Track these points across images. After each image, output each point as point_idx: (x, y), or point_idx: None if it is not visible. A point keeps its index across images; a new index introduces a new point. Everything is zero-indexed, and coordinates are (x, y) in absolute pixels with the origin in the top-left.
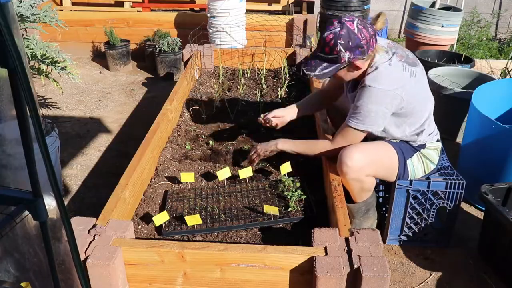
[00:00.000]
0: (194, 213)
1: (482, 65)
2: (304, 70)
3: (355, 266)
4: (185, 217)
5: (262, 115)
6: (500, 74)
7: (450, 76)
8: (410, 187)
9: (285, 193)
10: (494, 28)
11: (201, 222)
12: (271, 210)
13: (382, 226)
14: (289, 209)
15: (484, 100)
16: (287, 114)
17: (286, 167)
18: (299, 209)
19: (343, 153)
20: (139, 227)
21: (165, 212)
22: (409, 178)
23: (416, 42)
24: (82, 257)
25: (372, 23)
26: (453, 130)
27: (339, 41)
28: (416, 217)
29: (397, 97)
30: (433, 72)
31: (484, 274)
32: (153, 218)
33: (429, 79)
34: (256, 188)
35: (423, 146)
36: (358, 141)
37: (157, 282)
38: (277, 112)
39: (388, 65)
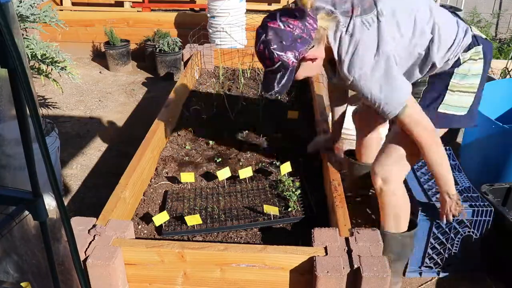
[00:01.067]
0: (194, 213)
1: None
2: (264, 93)
3: (355, 266)
4: (185, 217)
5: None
6: (500, 74)
7: None
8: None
9: (285, 193)
10: (494, 28)
11: (201, 222)
12: (271, 210)
13: None
14: (289, 209)
15: (484, 100)
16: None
17: (286, 167)
18: (299, 209)
19: (374, 166)
20: (139, 227)
21: (165, 212)
22: (456, 113)
23: None
24: (82, 257)
25: (296, 2)
26: (453, 130)
27: (271, 48)
28: (438, 247)
29: (388, 59)
30: None
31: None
32: (153, 218)
33: None
34: (256, 188)
35: (456, 64)
36: (418, 109)
37: (157, 282)
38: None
39: (349, 37)
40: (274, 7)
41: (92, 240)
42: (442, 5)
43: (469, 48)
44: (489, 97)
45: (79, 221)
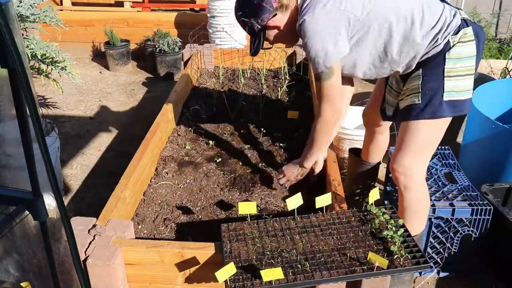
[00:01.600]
0: (266, 259)
1: (482, 65)
2: (250, 54)
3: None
4: (261, 271)
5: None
6: (500, 74)
7: None
8: (433, 215)
9: (385, 233)
10: (494, 28)
11: (282, 276)
12: (378, 261)
13: None
14: (394, 256)
15: (484, 100)
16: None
17: (374, 195)
18: (407, 255)
19: (393, 161)
20: (139, 227)
21: (231, 264)
22: (462, 98)
23: None
24: (82, 257)
25: None
26: (453, 130)
27: (238, 14)
28: (438, 246)
29: (344, 15)
30: None
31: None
32: (216, 274)
33: None
34: (339, 222)
35: (447, 46)
36: (338, 90)
37: (157, 282)
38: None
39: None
40: None
41: (92, 240)
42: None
43: (458, 30)
44: (489, 97)
45: (79, 221)
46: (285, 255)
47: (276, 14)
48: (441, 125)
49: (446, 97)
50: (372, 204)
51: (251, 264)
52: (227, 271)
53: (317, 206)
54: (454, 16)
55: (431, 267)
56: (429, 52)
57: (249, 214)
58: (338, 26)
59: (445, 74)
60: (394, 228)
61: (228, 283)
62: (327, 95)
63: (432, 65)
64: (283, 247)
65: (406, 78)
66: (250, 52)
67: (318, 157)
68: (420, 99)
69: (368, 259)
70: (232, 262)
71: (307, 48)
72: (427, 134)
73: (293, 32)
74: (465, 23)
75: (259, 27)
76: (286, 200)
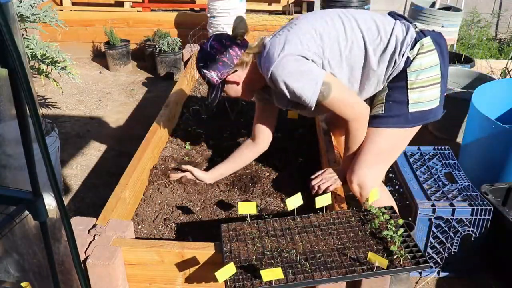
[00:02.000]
0: (265, 259)
1: (482, 65)
2: (207, 103)
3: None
4: (260, 271)
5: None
6: (500, 74)
7: (450, 76)
8: (433, 216)
9: (384, 233)
10: (494, 28)
11: (282, 276)
12: (378, 260)
13: None
14: (394, 256)
15: (484, 100)
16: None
17: (374, 194)
18: (407, 255)
19: (349, 173)
20: (139, 227)
21: (231, 264)
22: (428, 108)
23: None
24: (82, 257)
25: (233, 31)
26: (453, 130)
27: (200, 65)
28: (438, 246)
29: (292, 55)
30: None
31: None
32: (216, 274)
33: None
34: (339, 222)
35: (407, 62)
36: (347, 92)
37: (157, 282)
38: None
39: (270, 40)
40: (274, 7)
41: (92, 240)
42: (442, 5)
43: (415, 43)
44: (489, 97)
45: (79, 221)
46: (285, 255)
47: (236, 71)
48: (402, 135)
49: (411, 109)
50: (371, 205)
51: (251, 264)
52: (227, 271)
53: (317, 206)
54: (407, 31)
55: (431, 267)
56: (392, 73)
57: (249, 214)
58: (305, 60)
59: (409, 87)
60: (394, 228)
61: (228, 283)
62: (343, 105)
63: (397, 79)
64: (283, 247)
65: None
66: (206, 102)
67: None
68: (383, 109)
69: (368, 259)
70: (232, 262)
71: (289, 92)
72: (386, 143)
73: (250, 88)
74: (422, 34)
75: (219, 80)
76: (286, 200)
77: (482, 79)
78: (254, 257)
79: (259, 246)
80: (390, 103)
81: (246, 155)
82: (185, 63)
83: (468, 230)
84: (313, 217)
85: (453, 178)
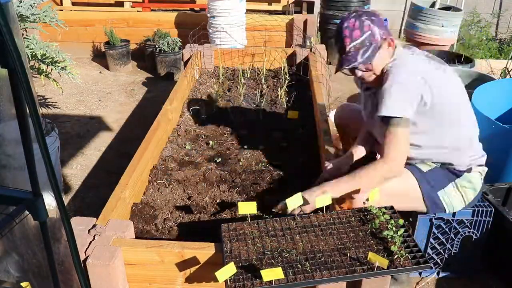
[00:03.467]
0: (266, 259)
1: (482, 65)
2: (345, 67)
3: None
4: (261, 271)
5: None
6: (500, 74)
7: None
8: (434, 216)
9: (385, 233)
10: (494, 28)
11: (282, 276)
12: (378, 261)
13: None
14: (394, 256)
15: (484, 100)
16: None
17: (374, 195)
18: (407, 255)
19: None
20: (139, 227)
21: (231, 264)
22: (447, 211)
23: (416, 42)
24: (82, 257)
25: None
26: None
27: (364, 18)
28: (438, 247)
29: (421, 84)
30: None
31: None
32: (216, 274)
33: None
34: (339, 222)
35: (468, 170)
36: (406, 137)
37: (157, 282)
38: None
39: (411, 54)
40: (274, 7)
41: (92, 240)
42: (442, 5)
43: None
44: (489, 97)
45: (79, 221)
46: (285, 255)
47: (389, 47)
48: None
49: (440, 193)
50: (371, 206)
51: (251, 264)
52: (227, 271)
53: (317, 206)
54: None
55: (431, 267)
56: (453, 165)
57: (249, 214)
58: (415, 90)
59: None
60: (394, 228)
61: (228, 283)
62: (393, 143)
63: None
64: (283, 247)
65: None
66: (348, 65)
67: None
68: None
69: (368, 259)
70: (232, 262)
71: (385, 90)
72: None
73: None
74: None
75: (379, 39)
76: (286, 200)
77: (482, 79)
78: (255, 257)
79: (259, 246)
80: (436, 172)
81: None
82: (185, 63)
83: (468, 232)
84: (313, 217)
85: None
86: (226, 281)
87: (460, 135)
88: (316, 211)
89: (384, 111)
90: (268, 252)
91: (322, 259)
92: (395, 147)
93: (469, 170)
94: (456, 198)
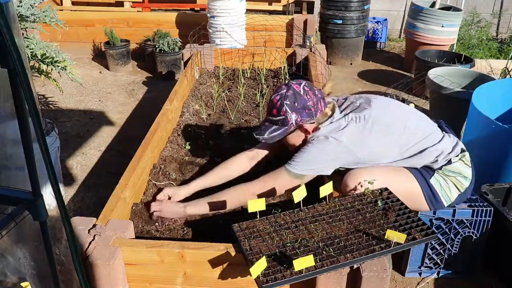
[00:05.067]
0: (288, 250)
1: (482, 65)
2: (254, 135)
3: (355, 266)
4: (293, 261)
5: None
6: (500, 74)
7: (450, 76)
8: (434, 216)
9: (389, 213)
10: (494, 28)
11: (313, 263)
12: (396, 236)
13: (399, 257)
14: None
15: (484, 100)
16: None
17: (327, 188)
18: (416, 229)
19: (347, 175)
20: (139, 227)
21: (263, 259)
22: (445, 205)
23: (416, 42)
24: (82, 257)
25: (320, 88)
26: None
27: (285, 102)
28: (438, 247)
29: (345, 152)
30: (433, 72)
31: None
32: (250, 270)
33: (429, 79)
34: (344, 208)
35: (447, 163)
36: (289, 187)
37: (157, 282)
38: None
39: (343, 122)
40: (274, 7)
41: (92, 240)
42: (442, 5)
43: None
44: (489, 97)
45: (79, 221)
46: (306, 244)
47: (313, 123)
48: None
49: (432, 180)
50: (367, 189)
51: (276, 257)
52: (260, 266)
53: (321, 196)
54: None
55: (431, 267)
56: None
57: (258, 211)
58: (327, 149)
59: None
60: (394, 207)
61: (260, 278)
62: (279, 182)
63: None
64: (301, 237)
65: None
66: (257, 135)
67: (207, 212)
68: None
69: (386, 236)
70: (264, 257)
71: (305, 150)
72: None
73: (301, 140)
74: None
75: (294, 124)
76: (293, 193)
77: (482, 79)
78: (277, 250)
79: (278, 240)
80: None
81: (240, 162)
82: (185, 63)
83: (468, 232)
84: (319, 207)
85: None
86: (257, 277)
87: (407, 148)
88: (314, 201)
89: (293, 165)
90: (289, 244)
91: (341, 243)
92: (275, 182)
93: (448, 163)
94: (449, 184)
